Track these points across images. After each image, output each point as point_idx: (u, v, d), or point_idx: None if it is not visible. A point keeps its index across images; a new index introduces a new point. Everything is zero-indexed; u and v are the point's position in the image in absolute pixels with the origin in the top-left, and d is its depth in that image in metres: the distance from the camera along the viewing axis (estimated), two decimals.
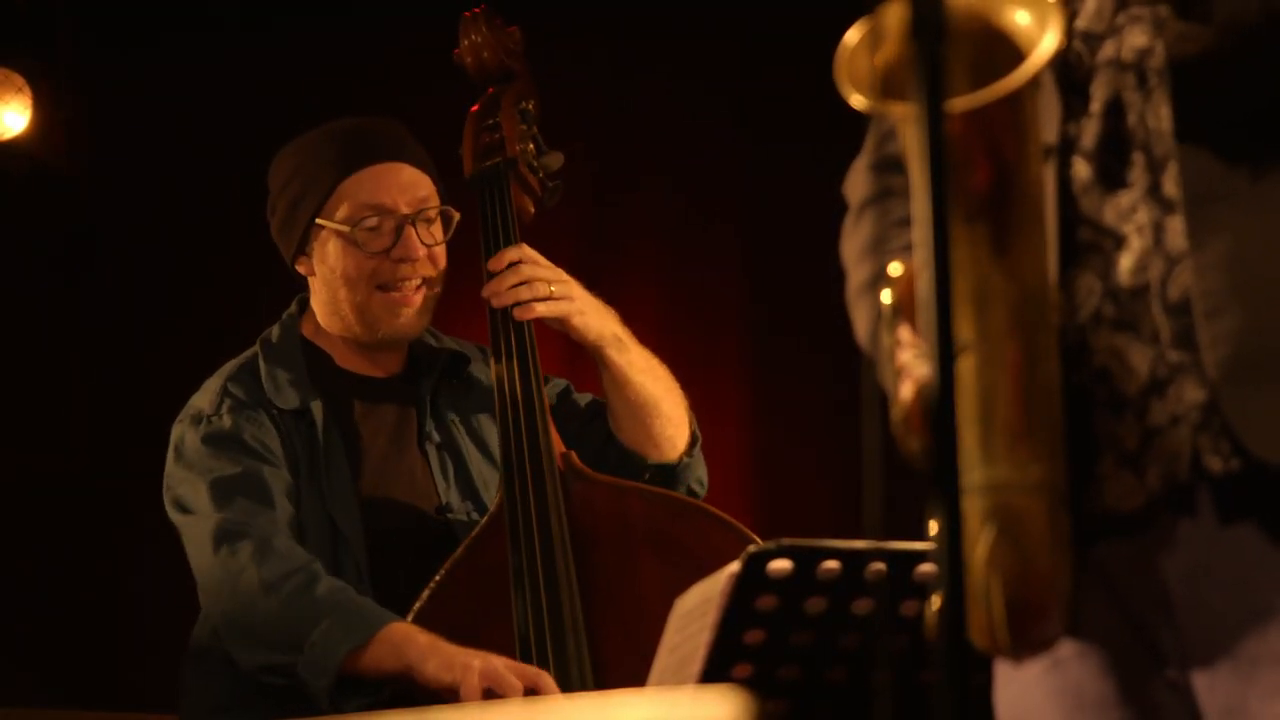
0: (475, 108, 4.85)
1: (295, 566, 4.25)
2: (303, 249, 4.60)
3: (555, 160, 4.82)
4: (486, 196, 4.73)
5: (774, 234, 6.66)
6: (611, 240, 6.74)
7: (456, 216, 4.64)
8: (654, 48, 6.68)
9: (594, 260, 6.27)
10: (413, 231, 4.53)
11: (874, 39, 2.16)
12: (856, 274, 2.92)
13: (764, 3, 6.48)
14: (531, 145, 4.82)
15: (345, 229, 4.51)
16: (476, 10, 4.87)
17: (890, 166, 2.85)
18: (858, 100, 2.48)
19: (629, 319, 4.72)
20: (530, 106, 4.83)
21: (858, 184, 2.97)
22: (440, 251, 4.60)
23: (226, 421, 4.47)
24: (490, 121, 4.81)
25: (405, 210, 4.55)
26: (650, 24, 6.62)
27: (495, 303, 4.57)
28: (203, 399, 4.55)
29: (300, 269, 4.64)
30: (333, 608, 4.20)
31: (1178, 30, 2.65)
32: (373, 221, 4.52)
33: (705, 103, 6.73)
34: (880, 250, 2.81)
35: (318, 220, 4.53)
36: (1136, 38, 2.69)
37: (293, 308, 4.73)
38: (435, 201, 4.61)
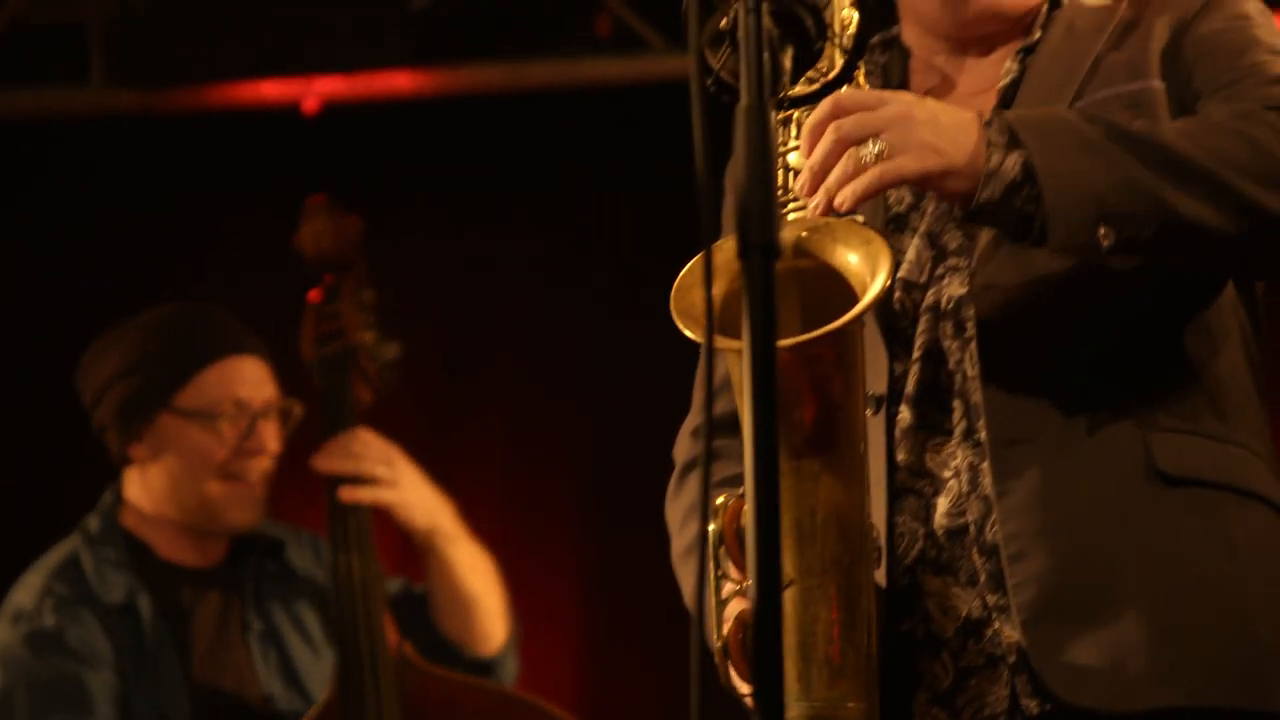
0: (315, 295, 4.87)
1: None
2: (141, 435, 4.58)
3: (393, 350, 4.84)
4: (325, 384, 4.74)
5: (620, 425, 6.67)
6: (457, 424, 6.73)
7: (299, 411, 4.66)
8: (502, 233, 6.71)
9: (439, 444, 6.25)
10: (264, 425, 4.57)
11: (707, 275, 2.19)
12: (680, 537, 2.96)
13: (613, 194, 6.53)
14: (370, 335, 4.83)
15: (201, 418, 4.52)
16: (318, 198, 4.90)
17: (719, 427, 2.88)
18: (691, 334, 2.52)
19: (471, 504, 4.74)
20: (369, 296, 4.86)
21: (683, 447, 3.03)
22: (280, 444, 4.63)
23: (49, 620, 4.39)
24: (330, 309, 4.83)
25: (257, 404, 4.58)
26: (499, 210, 6.66)
27: (336, 492, 4.58)
28: (23, 595, 4.47)
29: (134, 455, 4.60)
30: None
31: (984, 280, 2.71)
32: (229, 413, 4.55)
33: (554, 291, 6.76)
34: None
35: (169, 408, 4.54)
36: (955, 288, 2.77)
37: (108, 497, 4.67)
38: (279, 396, 4.63)
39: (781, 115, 2.63)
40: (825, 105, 2.54)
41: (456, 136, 6.61)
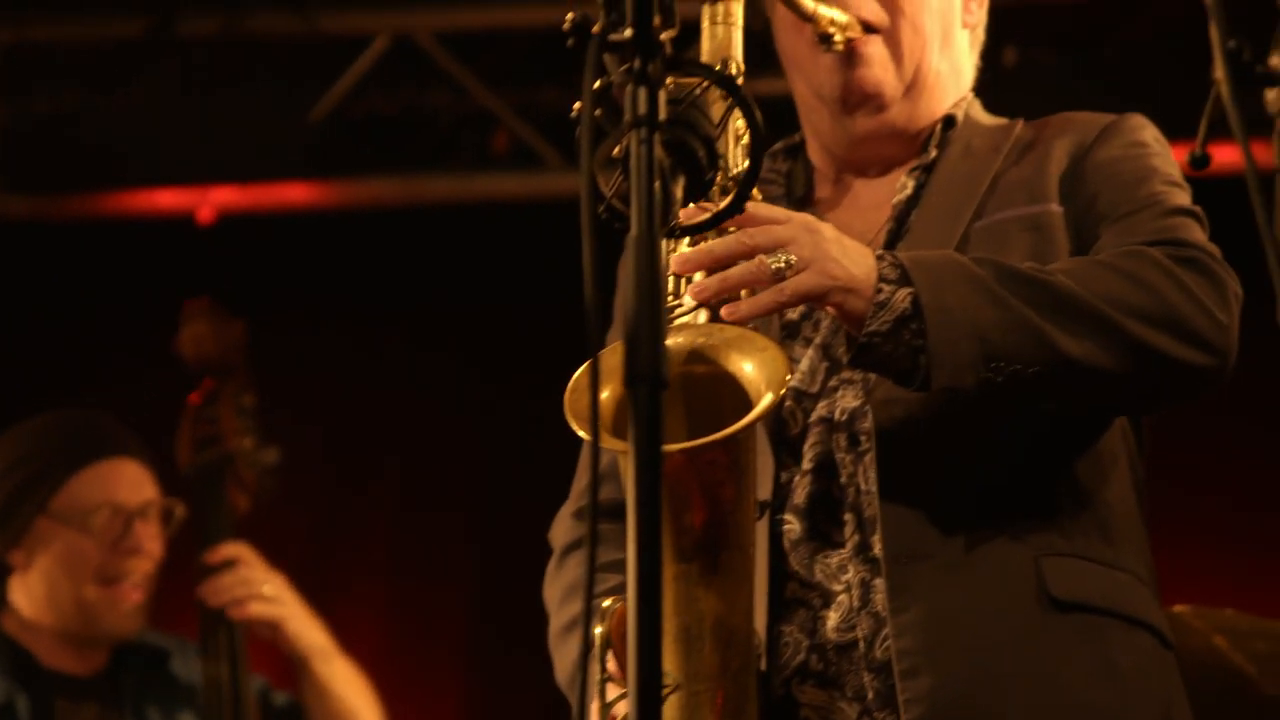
0: (194, 398, 4.83)
1: None
2: (18, 540, 4.53)
3: (271, 456, 4.81)
4: (202, 491, 4.70)
5: (505, 546, 6.63)
6: (343, 534, 6.69)
7: (181, 512, 4.62)
8: (394, 345, 6.70)
9: (321, 562, 6.22)
10: (141, 527, 4.53)
11: (596, 378, 2.19)
12: (558, 617, 2.94)
13: (504, 306, 6.54)
14: (249, 441, 4.80)
15: (75, 522, 4.48)
16: (200, 301, 4.88)
17: (601, 514, 2.87)
18: (584, 434, 2.51)
19: (353, 622, 4.70)
20: (249, 401, 4.83)
21: (562, 530, 3.02)
22: (161, 546, 4.59)
23: None
24: (208, 414, 4.80)
25: (133, 506, 4.54)
26: (392, 322, 6.66)
27: (210, 601, 4.54)
28: None
29: (13, 561, 4.56)
30: None
31: (883, 395, 2.73)
32: (104, 516, 4.50)
33: (443, 402, 6.74)
34: (582, 595, 2.83)
35: (45, 512, 4.50)
36: (849, 400, 2.78)
37: None
38: (159, 497, 4.59)
39: (673, 244, 2.64)
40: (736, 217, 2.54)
41: (352, 248, 6.61)
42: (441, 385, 6.74)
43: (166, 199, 6.53)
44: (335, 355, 6.65)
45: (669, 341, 2.47)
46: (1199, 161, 1.99)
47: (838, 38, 2.91)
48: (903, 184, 2.95)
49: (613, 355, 2.42)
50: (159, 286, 6.18)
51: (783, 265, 2.54)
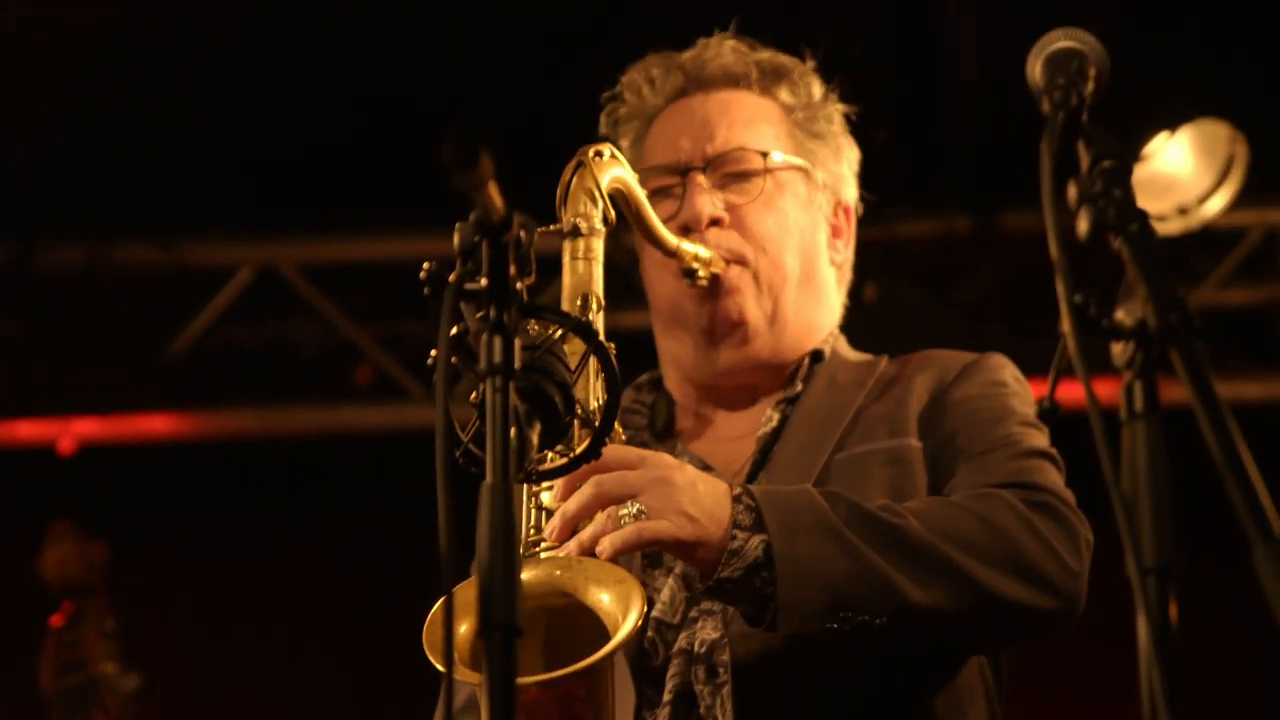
0: (56, 620, 4.77)
1: None
2: None
3: (133, 682, 4.76)
4: (67, 716, 4.63)
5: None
6: None
7: None
8: (257, 568, 6.66)
9: None
10: None
11: (451, 613, 2.17)
12: None
13: (366, 531, 6.53)
14: (112, 665, 4.74)
15: None
16: (63, 524, 4.84)
17: None
18: (440, 666, 2.49)
19: None
20: (111, 625, 4.78)
21: None
22: None
23: None
24: (70, 637, 4.74)
25: None
26: (255, 547, 6.62)
27: None
28: None
29: None
30: None
31: (741, 630, 2.72)
32: None
33: (307, 630, 6.69)
34: None
35: None
36: (708, 632, 2.77)
37: None
38: None
39: (529, 490, 2.64)
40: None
41: (214, 478, 6.59)
42: (303, 606, 6.69)
43: (27, 430, 6.47)
44: (191, 582, 6.59)
45: (528, 574, 2.48)
46: (1047, 414, 2.02)
47: (701, 272, 2.96)
48: (768, 417, 2.98)
49: (469, 589, 2.41)
50: (19, 516, 6.14)
51: (632, 518, 2.56)
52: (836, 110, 3.19)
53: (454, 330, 2.06)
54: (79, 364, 6.32)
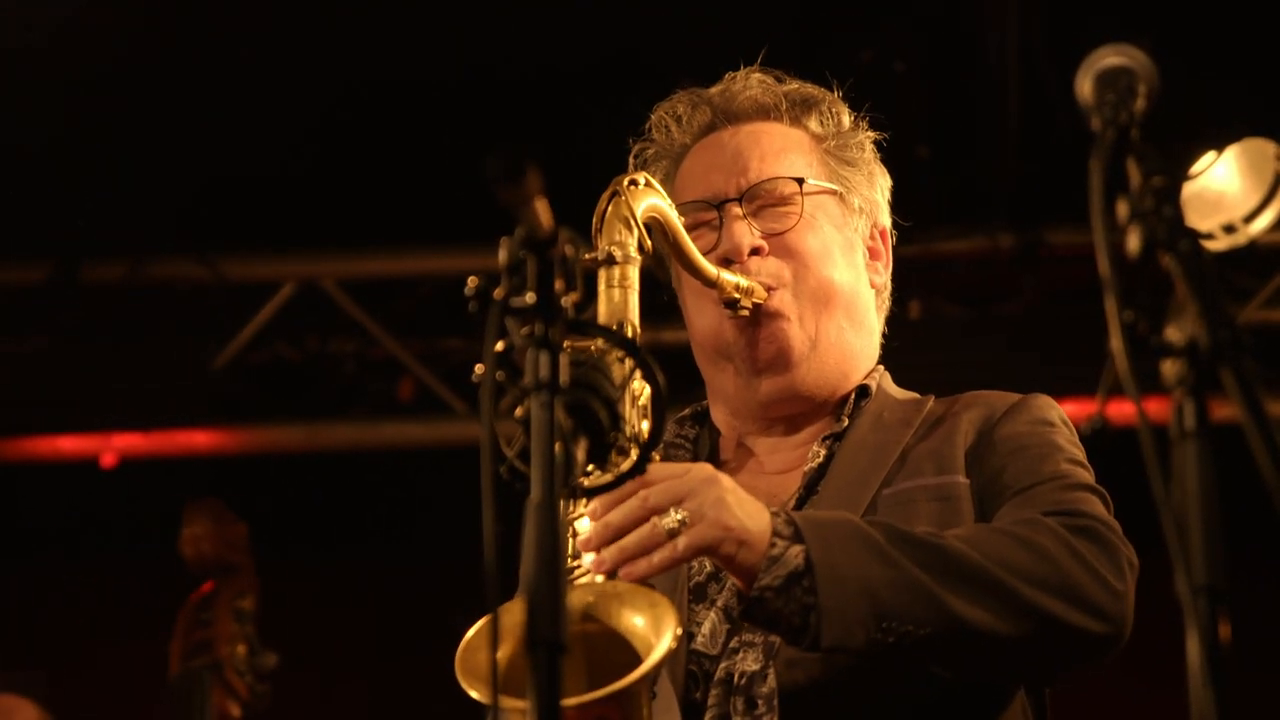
0: (194, 597, 4.72)
1: None
2: None
3: (268, 661, 4.70)
4: (183, 700, 4.55)
5: None
6: None
7: None
8: (295, 593, 6.67)
9: None
10: None
11: (493, 636, 2.16)
12: None
13: (410, 555, 6.53)
14: (243, 646, 4.69)
15: None
16: (202, 501, 4.79)
17: None
18: (475, 694, 2.48)
19: None
20: (248, 604, 4.72)
21: None
22: None
23: None
24: (204, 617, 4.68)
25: None
26: (294, 569, 6.63)
27: None
28: None
29: None
30: None
31: (787, 657, 2.71)
32: None
33: (339, 651, 6.69)
34: None
35: None
36: (748, 663, 2.76)
37: None
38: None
39: (574, 507, 2.63)
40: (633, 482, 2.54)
41: (255, 493, 6.59)
42: (342, 620, 6.70)
43: (69, 445, 6.49)
44: None
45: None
46: (1098, 432, 2.00)
47: (744, 301, 2.94)
48: (814, 452, 2.96)
49: (509, 614, 2.40)
50: (62, 531, 6.17)
51: (676, 525, 2.54)
52: (867, 138, 3.16)
53: (499, 346, 2.06)
54: (121, 379, 6.33)
